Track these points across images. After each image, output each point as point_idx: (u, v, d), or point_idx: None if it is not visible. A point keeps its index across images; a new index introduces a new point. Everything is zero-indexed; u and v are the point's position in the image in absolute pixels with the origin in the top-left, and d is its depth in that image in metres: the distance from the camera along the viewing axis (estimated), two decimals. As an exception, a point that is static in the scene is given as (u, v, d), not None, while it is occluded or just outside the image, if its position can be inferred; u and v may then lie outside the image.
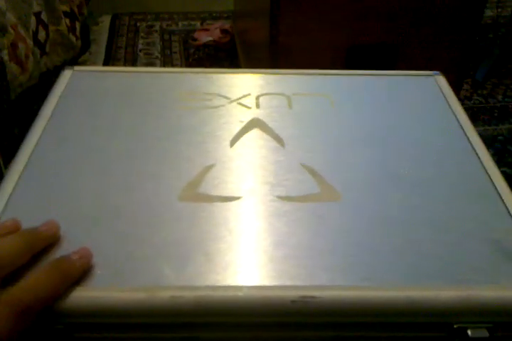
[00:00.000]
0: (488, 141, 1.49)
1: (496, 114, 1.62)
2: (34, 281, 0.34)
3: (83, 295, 0.36)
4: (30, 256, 0.36)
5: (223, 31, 1.91)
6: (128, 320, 0.36)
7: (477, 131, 1.60)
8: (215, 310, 0.36)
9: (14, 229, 0.38)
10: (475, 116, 1.60)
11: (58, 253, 0.39)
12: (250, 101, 0.58)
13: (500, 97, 1.69)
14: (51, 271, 0.35)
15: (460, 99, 1.69)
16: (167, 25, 2.08)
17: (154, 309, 0.35)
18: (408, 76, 0.64)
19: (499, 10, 2.15)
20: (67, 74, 0.60)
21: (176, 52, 1.88)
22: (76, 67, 0.61)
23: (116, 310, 0.35)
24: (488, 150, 1.55)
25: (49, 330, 0.35)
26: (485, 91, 1.72)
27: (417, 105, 0.59)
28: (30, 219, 0.41)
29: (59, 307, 0.35)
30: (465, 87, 1.71)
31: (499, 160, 1.42)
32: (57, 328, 0.36)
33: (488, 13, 2.17)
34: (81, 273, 0.36)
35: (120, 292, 0.36)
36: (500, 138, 1.52)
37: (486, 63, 1.78)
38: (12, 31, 1.11)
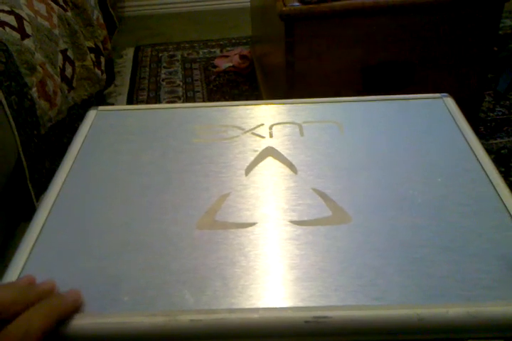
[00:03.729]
0: (513, 153, 1.48)
1: (520, 125, 1.61)
2: (26, 317, 0.36)
3: (107, 321, 0.38)
4: (21, 307, 0.37)
5: (242, 57, 1.96)
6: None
7: (501, 142, 1.57)
8: (233, 332, 0.38)
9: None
10: (498, 127, 1.59)
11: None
12: (264, 131, 0.61)
13: (523, 108, 1.68)
14: (42, 307, 0.37)
15: (482, 111, 1.68)
16: (188, 54, 2.14)
17: (174, 332, 0.38)
18: (416, 99, 0.66)
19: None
20: (92, 114, 0.64)
21: (197, 80, 1.93)
22: (100, 107, 0.66)
23: (139, 334, 0.38)
24: (513, 163, 1.48)
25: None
26: (507, 103, 1.71)
27: (426, 128, 0.60)
28: (60, 247, 0.46)
29: (85, 332, 0.38)
30: (487, 98, 1.70)
31: (525, 172, 1.41)
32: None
33: (508, 22, 2.17)
34: (71, 306, 0.39)
35: (142, 316, 0.38)
36: (525, 149, 1.51)
37: (507, 74, 1.78)
38: (40, 69, 1.17)
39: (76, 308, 0.39)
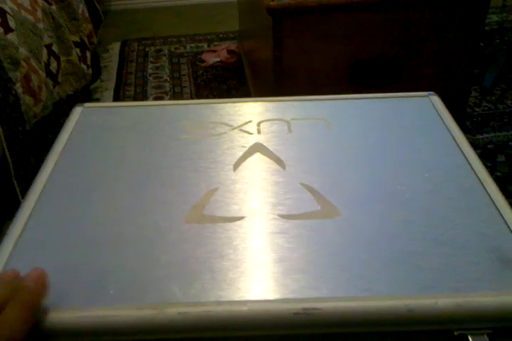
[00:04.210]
0: (500, 147, 1.50)
1: (506, 120, 1.62)
2: (5, 318, 0.36)
3: (94, 315, 0.38)
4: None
5: (230, 52, 1.96)
6: (138, 337, 0.38)
7: (488, 137, 1.58)
8: (221, 325, 0.38)
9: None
10: (485, 122, 1.61)
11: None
12: (252, 127, 0.61)
13: (509, 103, 1.69)
14: (15, 308, 0.37)
15: (469, 107, 1.69)
16: (175, 48, 2.13)
17: (163, 325, 0.38)
18: (403, 98, 0.66)
19: (504, 15, 2.17)
20: (77, 111, 0.64)
21: (184, 75, 1.93)
22: (86, 104, 0.65)
23: (127, 328, 0.38)
24: (500, 157, 1.53)
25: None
26: (494, 98, 1.72)
27: (413, 125, 0.61)
28: (45, 242, 0.45)
29: (72, 325, 0.38)
30: (473, 93, 1.72)
31: (512, 166, 1.42)
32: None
33: (494, 18, 2.18)
34: (42, 296, 0.38)
35: (129, 309, 0.38)
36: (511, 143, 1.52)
37: (493, 69, 1.79)
38: (25, 64, 1.16)
39: (45, 291, 0.39)
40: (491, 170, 1.39)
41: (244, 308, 0.38)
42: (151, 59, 2.06)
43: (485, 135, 1.55)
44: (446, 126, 0.60)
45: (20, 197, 1.11)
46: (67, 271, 0.42)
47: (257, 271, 0.42)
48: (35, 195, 0.50)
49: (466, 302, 0.39)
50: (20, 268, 0.40)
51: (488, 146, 1.50)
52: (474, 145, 1.48)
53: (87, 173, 0.54)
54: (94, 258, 0.43)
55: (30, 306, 0.37)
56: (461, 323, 0.39)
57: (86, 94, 1.62)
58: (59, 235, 0.46)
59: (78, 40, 1.55)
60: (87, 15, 1.67)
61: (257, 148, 0.57)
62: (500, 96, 1.73)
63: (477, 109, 1.67)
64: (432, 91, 0.67)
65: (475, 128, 1.58)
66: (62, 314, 0.38)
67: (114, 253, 0.44)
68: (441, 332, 0.40)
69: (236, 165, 0.54)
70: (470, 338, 0.39)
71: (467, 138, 0.58)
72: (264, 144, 0.58)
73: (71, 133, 0.60)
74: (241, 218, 0.47)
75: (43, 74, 1.25)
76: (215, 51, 2.01)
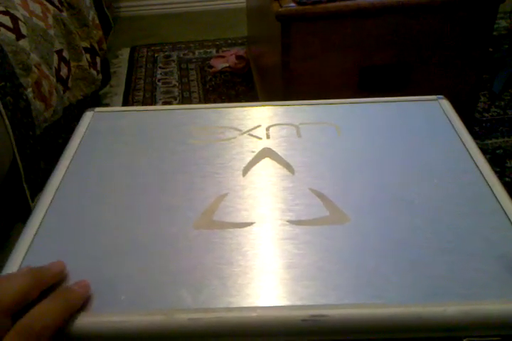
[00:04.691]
0: (509, 152, 1.49)
1: (514, 125, 1.61)
2: (41, 310, 0.36)
3: (105, 320, 0.39)
4: (38, 293, 0.38)
5: (238, 57, 1.96)
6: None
7: (496, 142, 1.57)
8: (231, 331, 0.38)
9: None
10: (494, 127, 1.60)
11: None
12: (261, 132, 0.61)
13: (518, 108, 1.69)
14: (56, 300, 0.38)
15: (477, 112, 1.68)
16: (184, 54, 2.14)
17: (173, 331, 0.38)
18: (412, 101, 0.66)
19: (513, 20, 2.16)
20: (88, 116, 0.65)
21: (193, 80, 1.93)
22: (97, 109, 0.66)
23: (137, 333, 0.38)
24: (509, 162, 1.51)
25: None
26: (502, 103, 1.71)
27: (423, 129, 0.61)
28: (57, 248, 0.46)
29: (83, 331, 0.38)
30: (482, 99, 1.71)
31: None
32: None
33: (503, 23, 2.18)
34: (82, 300, 0.39)
35: (140, 315, 0.39)
36: (521, 149, 1.51)
37: (502, 74, 1.78)
38: (36, 70, 1.17)
39: (83, 302, 0.40)
40: (500, 176, 1.38)
41: (254, 314, 0.39)
42: (160, 64, 2.07)
43: (494, 140, 1.54)
44: (456, 130, 0.60)
45: (30, 200, 1.12)
46: (78, 277, 0.42)
47: (266, 278, 0.42)
48: (47, 201, 0.51)
49: (474, 310, 0.39)
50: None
51: (497, 151, 1.49)
52: (483, 150, 1.47)
53: (97, 179, 0.54)
54: (105, 265, 0.44)
55: (71, 305, 0.38)
56: (469, 331, 0.39)
57: (95, 100, 1.63)
58: (69, 241, 0.46)
59: (88, 46, 1.56)
60: (97, 21, 1.69)
61: (266, 153, 0.58)
62: (509, 102, 1.72)
63: (486, 115, 1.66)
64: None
65: (484, 133, 1.57)
66: (73, 319, 0.38)
67: (124, 259, 0.44)
68: (450, 340, 0.40)
69: (245, 171, 0.55)
70: (478, 345, 0.39)
71: (476, 143, 0.58)
72: (274, 149, 0.58)
73: (82, 137, 0.61)
74: (250, 224, 0.47)
75: (53, 79, 1.26)
76: (223, 57, 2.01)
